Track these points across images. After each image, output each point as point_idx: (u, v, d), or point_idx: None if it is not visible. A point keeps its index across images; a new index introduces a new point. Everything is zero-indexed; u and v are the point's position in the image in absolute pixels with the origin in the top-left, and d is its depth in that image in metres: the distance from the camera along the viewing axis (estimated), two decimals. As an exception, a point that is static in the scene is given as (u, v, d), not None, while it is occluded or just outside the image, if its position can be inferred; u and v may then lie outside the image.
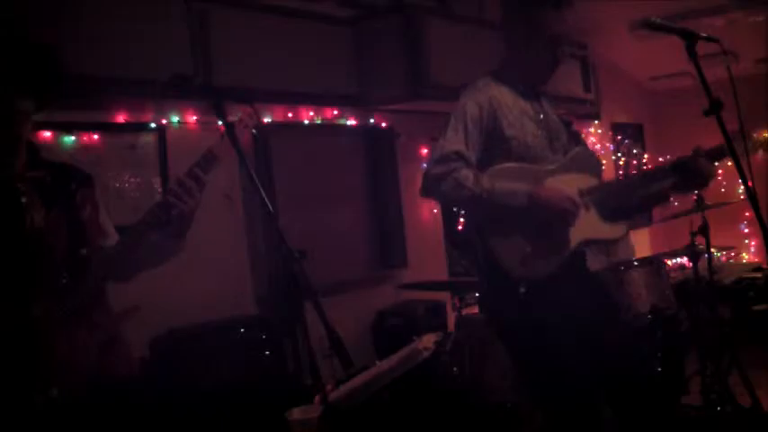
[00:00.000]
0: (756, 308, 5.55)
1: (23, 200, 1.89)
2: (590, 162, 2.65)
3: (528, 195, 2.43)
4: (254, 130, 2.02)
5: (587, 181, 2.58)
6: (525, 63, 2.63)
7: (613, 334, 2.65)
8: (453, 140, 2.50)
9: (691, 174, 2.50)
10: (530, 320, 2.49)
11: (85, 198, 2.03)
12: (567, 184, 2.53)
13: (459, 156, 2.47)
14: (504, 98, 2.58)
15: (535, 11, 2.55)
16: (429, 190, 2.54)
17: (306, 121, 4.41)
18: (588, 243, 2.57)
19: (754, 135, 2.54)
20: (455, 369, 3.63)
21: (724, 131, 2.09)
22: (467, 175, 2.44)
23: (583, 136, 2.83)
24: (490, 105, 2.54)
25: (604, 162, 7.00)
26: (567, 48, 2.67)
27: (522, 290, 2.47)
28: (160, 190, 3.66)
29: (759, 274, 6.06)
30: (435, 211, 5.29)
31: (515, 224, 2.48)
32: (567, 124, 2.72)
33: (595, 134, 6.93)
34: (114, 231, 2.13)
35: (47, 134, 3.27)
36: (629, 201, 2.68)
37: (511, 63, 2.67)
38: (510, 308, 2.56)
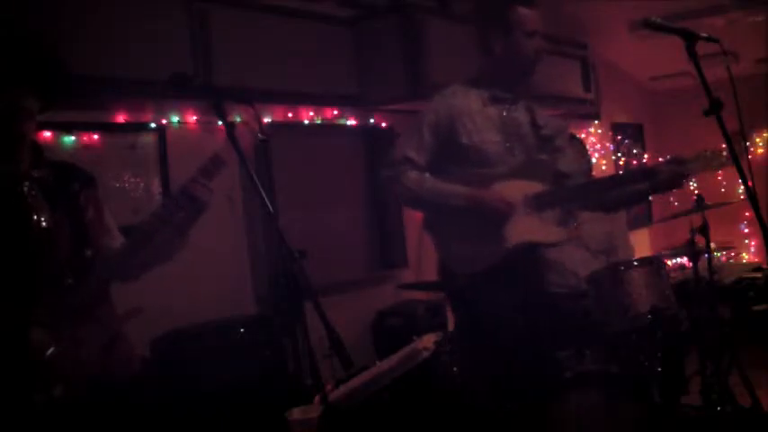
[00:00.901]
0: (756, 308, 5.55)
1: (29, 200, 1.90)
2: (545, 171, 2.77)
3: (466, 197, 2.62)
4: (260, 135, 2.02)
5: (536, 188, 2.71)
6: (503, 64, 2.74)
7: (540, 333, 2.79)
8: (407, 145, 2.73)
9: (657, 179, 2.66)
10: (469, 314, 2.70)
11: (89, 199, 2.04)
12: (514, 189, 2.68)
13: (407, 159, 2.69)
14: (470, 105, 2.72)
15: (509, 10, 2.69)
16: (384, 191, 2.68)
17: (306, 121, 4.41)
18: (526, 245, 2.71)
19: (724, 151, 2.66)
20: (455, 369, 3.63)
21: (724, 131, 2.09)
22: (412, 177, 2.67)
23: (561, 139, 2.92)
24: (449, 114, 2.71)
25: (604, 162, 7.00)
26: (544, 44, 2.79)
27: (460, 282, 2.67)
28: (160, 190, 3.66)
29: (759, 274, 6.06)
30: (435, 211, 5.29)
31: (458, 224, 2.66)
32: (538, 128, 2.82)
33: (595, 134, 6.92)
34: (118, 232, 2.13)
35: (47, 134, 3.26)
36: (587, 203, 2.90)
37: (487, 67, 2.79)
38: (453, 300, 2.84)
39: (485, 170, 2.68)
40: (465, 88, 2.77)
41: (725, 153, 2.65)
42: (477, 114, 2.71)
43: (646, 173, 2.72)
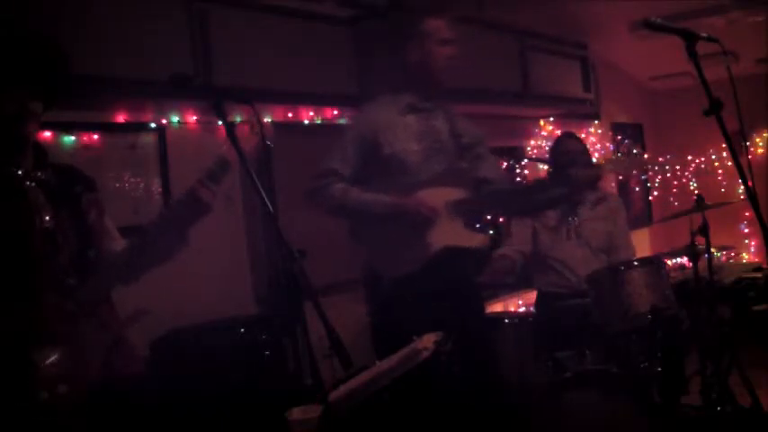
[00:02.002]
0: (756, 308, 5.55)
1: (32, 200, 1.90)
2: (465, 178, 2.88)
3: (390, 204, 2.74)
4: (269, 144, 2.04)
5: (457, 195, 2.82)
6: (419, 72, 2.87)
7: (472, 340, 2.84)
8: (332, 157, 2.86)
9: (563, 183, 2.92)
10: (392, 315, 2.83)
11: (91, 201, 2.05)
12: (436, 197, 2.77)
13: (332, 172, 2.82)
14: (392, 116, 2.84)
15: (422, 21, 2.84)
16: (308, 202, 2.90)
17: (306, 121, 4.41)
18: (450, 249, 2.80)
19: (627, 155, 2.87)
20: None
21: (724, 131, 2.09)
22: (337, 188, 2.79)
23: (481, 147, 3.01)
24: (372, 127, 2.83)
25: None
26: (456, 51, 2.90)
27: (386, 285, 2.80)
28: (160, 190, 3.66)
29: (759, 274, 6.06)
30: (435, 211, 5.28)
31: (383, 231, 2.78)
32: (458, 137, 2.91)
33: (595, 134, 6.92)
34: (119, 235, 2.14)
35: (47, 134, 3.26)
36: (509, 208, 3.13)
37: (403, 76, 2.91)
38: (377, 302, 2.97)
39: (407, 179, 2.78)
40: (388, 98, 2.89)
41: (634, 157, 2.90)
42: (397, 124, 2.82)
43: (562, 178, 2.93)
